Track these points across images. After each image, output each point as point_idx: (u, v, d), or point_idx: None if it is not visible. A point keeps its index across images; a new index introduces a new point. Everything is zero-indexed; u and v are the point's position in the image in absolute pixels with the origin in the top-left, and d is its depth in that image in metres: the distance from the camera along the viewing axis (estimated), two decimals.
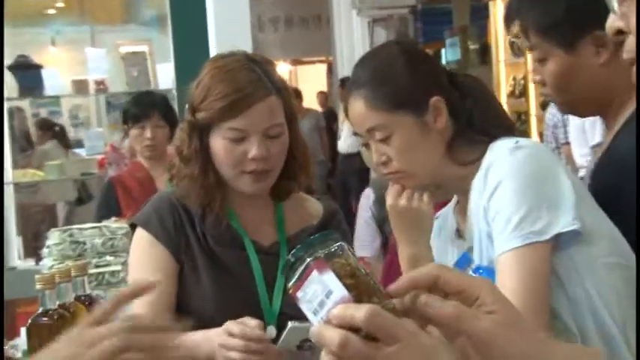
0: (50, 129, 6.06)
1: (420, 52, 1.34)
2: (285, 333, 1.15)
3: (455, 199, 1.40)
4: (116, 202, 3.00)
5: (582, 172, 4.63)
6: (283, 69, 11.73)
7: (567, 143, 4.66)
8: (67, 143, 5.99)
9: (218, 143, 1.45)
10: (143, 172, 3.05)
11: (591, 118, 4.44)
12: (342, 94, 7.21)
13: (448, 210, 1.42)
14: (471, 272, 1.27)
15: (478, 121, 1.31)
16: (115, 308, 0.82)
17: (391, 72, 1.28)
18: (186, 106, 1.51)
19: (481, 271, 1.26)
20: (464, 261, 1.29)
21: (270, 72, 1.47)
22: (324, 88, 10.02)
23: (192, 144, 1.47)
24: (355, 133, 1.33)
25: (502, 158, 1.22)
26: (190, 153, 1.47)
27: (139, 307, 1.43)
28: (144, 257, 1.49)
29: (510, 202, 1.19)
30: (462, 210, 1.35)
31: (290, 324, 1.16)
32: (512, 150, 1.22)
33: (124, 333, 0.78)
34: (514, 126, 1.35)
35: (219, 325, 1.37)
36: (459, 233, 1.36)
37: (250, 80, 1.43)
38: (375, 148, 1.28)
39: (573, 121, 4.68)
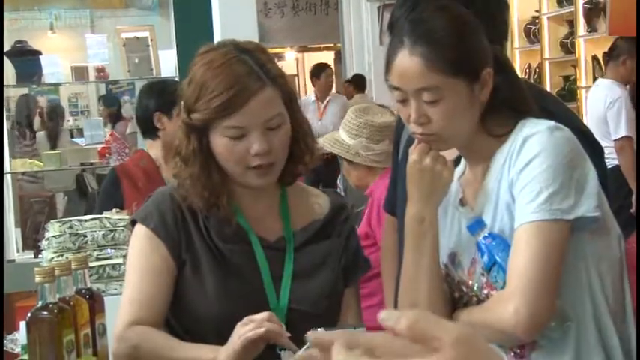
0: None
1: (480, 24, 1.36)
2: (309, 342, 1.16)
3: (460, 169, 1.45)
4: (121, 194, 2.99)
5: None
6: (289, 57, 11.71)
7: None
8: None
9: (218, 142, 1.44)
10: (148, 161, 3.03)
11: (614, 110, 4.40)
12: (346, 89, 7.17)
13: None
14: (482, 237, 1.33)
15: (508, 98, 1.36)
16: None
17: (459, 36, 1.31)
18: (181, 104, 1.50)
19: (492, 237, 1.33)
20: (477, 225, 1.35)
21: (262, 61, 1.45)
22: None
23: (191, 144, 1.46)
24: (395, 88, 1.34)
25: (541, 134, 1.29)
26: (189, 154, 1.46)
27: (132, 308, 1.45)
28: (141, 255, 1.49)
29: (544, 177, 1.26)
30: (471, 181, 1.41)
31: (283, 353, 1.19)
32: (552, 129, 1.29)
33: None
34: (536, 107, 1.39)
35: (224, 321, 1.37)
36: (462, 202, 1.42)
37: (242, 74, 1.41)
38: (417, 108, 1.31)
39: (592, 111, 4.64)
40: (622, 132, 4.27)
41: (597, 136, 5.10)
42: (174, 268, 1.47)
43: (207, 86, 1.42)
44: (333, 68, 8.17)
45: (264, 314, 1.31)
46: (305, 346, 1.15)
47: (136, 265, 1.49)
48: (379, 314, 0.62)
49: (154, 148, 2.95)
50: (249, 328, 1.28)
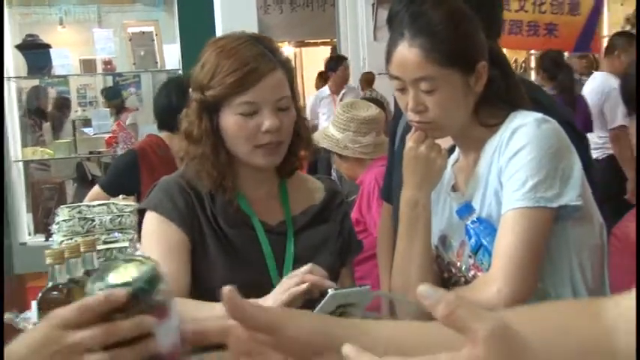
0: None
1: (477, 18, 1.37)
2: (324, 301, 1.15)
3: (454, 157, 1.46)
4: (136, 178, 2.93)
5: (594, 155, 4.64)
6: (288, 51, 11.68)
7: None
8: None
9: (230, 120, 1.44)
10: (164, 149, 2.98)
11: (611, 100, 4.41)
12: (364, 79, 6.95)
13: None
14: (470, 221, 1.34)
15: (502, 90, 1.37)
16: (88, 316, 0.72)
17: (455, 30, 1.31)
18: (190, 89, 1.49)
19: (480, 221, 1.33)
20: (466, 210, 1.35)
21: (272, 47, 1.47)
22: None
23: (203, 124, 1.45)
24: (395, 77, 1.34)
25: (529, 126, 1.29)
26: (201, 133, 1.46)
27: None
28: (159, 240, 1.45)
29: (530, 166, 1.26)
30: (464, 168, 1.42)
31: (330, 291, 1.16)
32: (540, 121, 1.30)
33: (106, 342, 0.71)
34: (529, 100, 1.39)
35: None
36: (454, 187, 1.43)
37: (255, 54, 1.42)
38: (414, 96, 1.32)
39: (589, 103, 4.64)
40: (618, 121, 4.28)
41: (596, 125, 5.05)
42: (189, 249, 1.45)
43: (222, 65, 1.42)
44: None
45: (306, 267, 1.28)
46: (326, 297, 1.14)
47: (155, 248, 1.44)
48: (419, 289, 0.60)
49: (175, 140, 2.87)
50: (293, 282, 1.26)
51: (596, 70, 6.01)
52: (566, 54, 5.26)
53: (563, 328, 0.72)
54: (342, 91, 6.77)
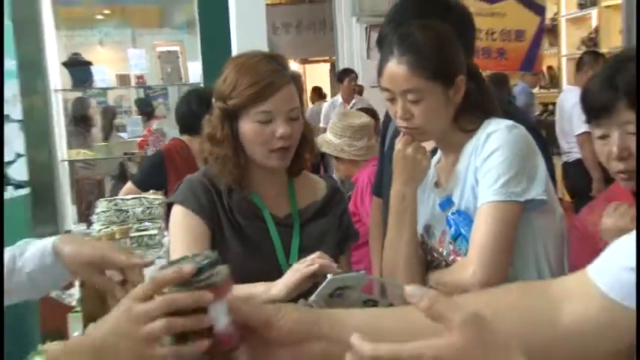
0: None
1: (456, 38, 1.36)
2: (324, 284, 1.13)
3: (436, 158, 1.46)
4: (164, 175, 2.92)
5: (564, 159, 4.62)
6: (293, 67, 11.63)
7: None
8: None
9: (248, 127, 1.43)
10: (186, 150, 2.97)
11: (577, 111, 4.41)
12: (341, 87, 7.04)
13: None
14: (450, 213, 1.33)
15: (478, 101, 1.36)
16: (160, 287, 0.74)
17: (438, 49, 1.31)
18: (213, 100, 1.48)
19: (459, 213, 1.33)
20: (447, 203, 1.35)
21: (285, 64, 1.46)
22: (327, 84, 9.97)
23: (225, 129, 1.44)
24: (386, 89, 1.34)
25: (501, 131, 1.29)
26: (223, 136, 1.45)
27: None
28: (185, 229, 1.44)
29: (502, 166, 1.26)
30: (445, 167, 1.42)
31: (329, 276, 1.15)
32: (511, 128, 1.30)
33: (167, 311, 0.72)
34: (500, 109, 1.39)
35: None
36: (437, 184, 1.43)
37: (271, 70, 1.41)
38: (402, 105, 1.32)
39: (561, 113, 4.63)
40: (583, 128, 4.28)
41: (565, 133, 5.13)
42: (210, 236, 1.44)
43: (242, 79, 1.41)
44: (329, 77, 8.10)
45: (316, 253, 1.28)
46: (326, 281, 1.13)
47: (181, 237, 1.43)
48: (406, 289, 0.61)
49: (194, 142, 2.85)
50: (304, 265, 1.26)
51: (556, 83, 5.99)
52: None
53: (510, 306, 0.73)
54: (353, 101, 6.74)
